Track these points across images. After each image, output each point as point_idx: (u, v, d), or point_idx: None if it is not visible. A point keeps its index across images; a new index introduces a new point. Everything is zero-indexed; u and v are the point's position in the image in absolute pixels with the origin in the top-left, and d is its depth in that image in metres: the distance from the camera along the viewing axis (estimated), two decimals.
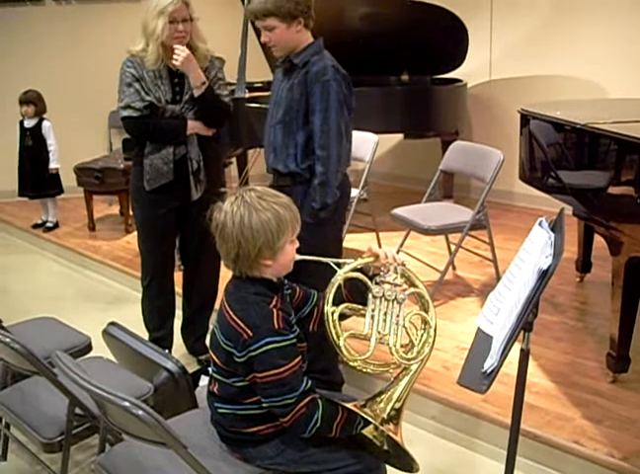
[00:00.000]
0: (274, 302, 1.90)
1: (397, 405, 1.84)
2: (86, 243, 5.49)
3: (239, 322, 1.86)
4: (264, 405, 1.89)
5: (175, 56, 3.02)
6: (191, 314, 3.57)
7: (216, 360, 1.96)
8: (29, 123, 5.68)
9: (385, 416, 1.82)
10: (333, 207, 2.80)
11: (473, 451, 2.86)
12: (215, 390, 2.00)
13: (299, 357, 1.88)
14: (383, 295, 1.94)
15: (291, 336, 1.87)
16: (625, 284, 2.87)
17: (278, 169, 2.89)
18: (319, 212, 2.76)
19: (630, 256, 2.81)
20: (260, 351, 1.82)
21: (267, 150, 2.96)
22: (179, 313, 3.60)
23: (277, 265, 1.91)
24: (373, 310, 1.94)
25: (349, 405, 1.83)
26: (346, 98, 2.76)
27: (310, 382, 1.88)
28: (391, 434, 1.80)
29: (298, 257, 1.96)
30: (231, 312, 1.90)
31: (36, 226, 5.96)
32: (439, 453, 2.87)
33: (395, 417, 1.83)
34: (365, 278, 1.97)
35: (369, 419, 1.80)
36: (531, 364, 3.17)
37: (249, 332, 1.84)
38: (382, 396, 1.87)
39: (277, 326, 1.85)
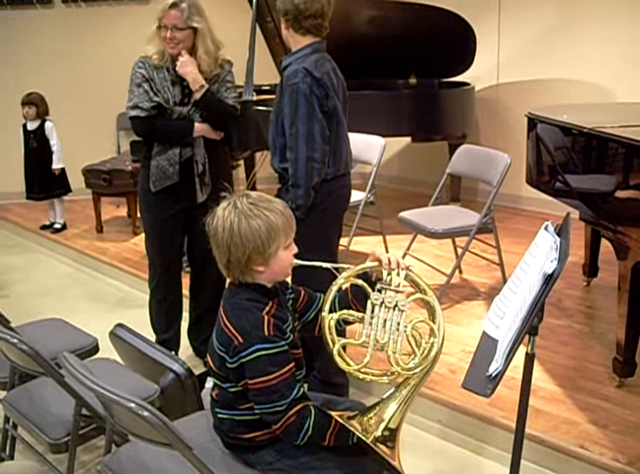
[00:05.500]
0: (267, 308, 1.87)
1: (392, 425, 1.75)
2: (94, 245, 5.51)
3: (231, 328, 1.85)
4: (256, 411, 1.86)
5: (177, 63, 3.10)
6: (197, 316, 3.57)
7: (212, 365, 1.96)
8: (31, 126, 5.71)
9: (378, 434, 1.73)
10: (314, 207, 2.78)
11: (479, 455, 2.86)
12: (215, 395, 2.00)
13: (291, 365, 1.84)
14: (383, 302, 1.86)
15: (282, 343, 1.84)
16: (632, 289, 2.87)
17: (273, 167, 2.93)
18: (294, 212, 2.78)
19: (637, 260, 2.81)
20: (250, 357, 1.80)
21: None
22: (186, 315, 3.61)
23: (270, 271, 1.87)
24: (372, 317, 1.86)
25: (334, 414, 1.77)
26: (319, 100, 2.70)
27: (302, 390, 1.85)
28: (387, 457, 1.71)
29: (297, 262, 1.92)
30: (224, 317, 1.89)
31: (43, 227, 5.98)
32: (444, 457, 2.87)
33: (390, 438, 1.73)
34: (365, 285, 1.92)
35: (356, 432, 1.71)
36: (538, 369, 3.17)
37: (239, 338, 1.82)
38: (373, 412, 1.78)
39: (267, 333, 1.82)
